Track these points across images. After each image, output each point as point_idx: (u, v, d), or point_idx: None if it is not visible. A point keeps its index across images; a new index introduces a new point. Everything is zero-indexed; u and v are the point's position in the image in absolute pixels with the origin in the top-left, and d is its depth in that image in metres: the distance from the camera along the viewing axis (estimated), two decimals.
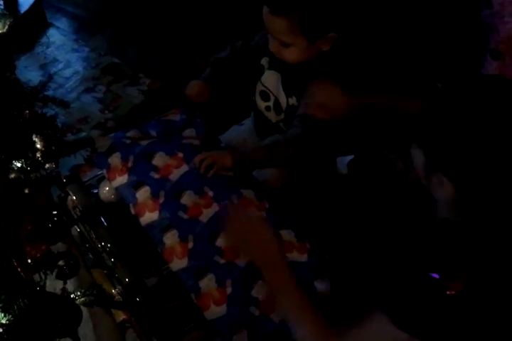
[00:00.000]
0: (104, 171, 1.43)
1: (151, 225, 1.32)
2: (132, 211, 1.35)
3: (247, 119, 1.85)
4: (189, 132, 1.55)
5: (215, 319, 1.20)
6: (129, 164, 1.40)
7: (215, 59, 1.65)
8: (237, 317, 1.20)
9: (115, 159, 1.42)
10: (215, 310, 1.20)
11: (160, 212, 1.33)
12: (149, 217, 1.33)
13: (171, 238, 1.29)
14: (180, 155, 1.42)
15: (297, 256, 1.29)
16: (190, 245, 1.27)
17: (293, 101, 1.48)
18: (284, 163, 1.50)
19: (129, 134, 1.50)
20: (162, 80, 2.73)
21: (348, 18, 1.31)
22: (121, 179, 1.39)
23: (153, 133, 1.53)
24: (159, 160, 1.40)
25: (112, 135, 1.51)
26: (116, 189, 1.40)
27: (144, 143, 1.44)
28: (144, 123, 1.56)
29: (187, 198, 1.33)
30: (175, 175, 1.38)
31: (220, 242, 1.26)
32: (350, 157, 1.89)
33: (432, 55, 0.96)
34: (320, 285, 1.26)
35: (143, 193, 1.35)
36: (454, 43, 0.97)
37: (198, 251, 1.27)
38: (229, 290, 1.22)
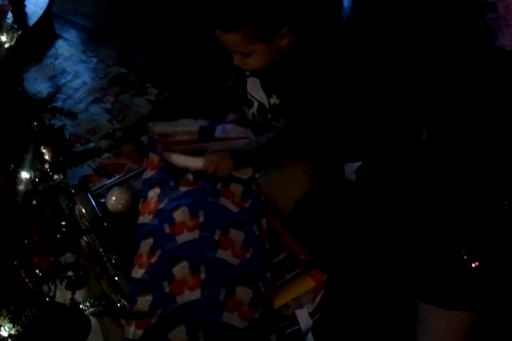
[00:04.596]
0: (146, 159, 1.52)
1: (141, 226, 1.35)
2: (139, 206, 1.41)
3: None
4: None
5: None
6: (162, 164, 1.46)
7: (228, 89, 1.72)
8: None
9: (153, 156, 1.50)
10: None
11: (154, 217, 1.34)
12: (145, 218, 1.36)
13: (146, 245, 1.29)
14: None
15: None
16: (154, 260, 1.25)
17: (274, 100, 1.53)
18: (273, 151, 1.49)
19: None
20: (170, 90, 2.74)
21: (290, 10, 1.38)
22: (150, 173, 1.46)
23: None
24: (185, 176, 1.43)
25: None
26: (143, 180, 1.47)
27: None
28: None
29: (179, 213, 1.31)
30: (185, 189, 1.39)
31: (176, 270, 1.22)
32: (358, 163, 1.89)
33: (434, 59, 0.97)
34: None
35: (153, 193, 1.40)
36: (457, 46, 0.97)
37: (155, 268, 1.24)
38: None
